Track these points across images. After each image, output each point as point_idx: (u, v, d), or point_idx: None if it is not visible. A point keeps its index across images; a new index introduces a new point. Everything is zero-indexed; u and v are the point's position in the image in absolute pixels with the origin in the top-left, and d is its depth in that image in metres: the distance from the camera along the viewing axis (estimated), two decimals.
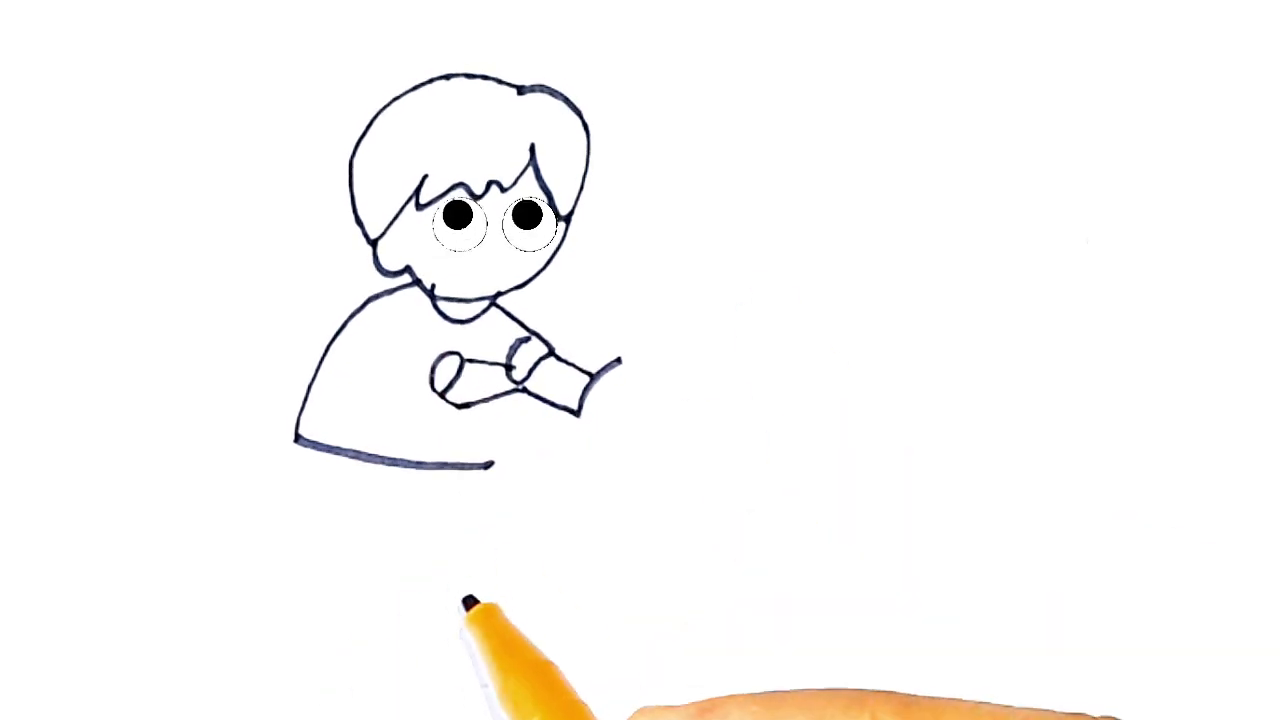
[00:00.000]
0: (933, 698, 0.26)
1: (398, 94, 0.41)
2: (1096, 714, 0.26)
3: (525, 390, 0.41)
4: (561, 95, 0.42)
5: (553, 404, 0.41)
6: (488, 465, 0.40)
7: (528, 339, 0.41)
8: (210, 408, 0.40)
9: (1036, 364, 0.42)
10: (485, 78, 0.41)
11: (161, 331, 0.40)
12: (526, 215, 0.41)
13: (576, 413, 0.41)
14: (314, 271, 0.40)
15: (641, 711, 0.28)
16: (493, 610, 0.37)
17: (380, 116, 0.41)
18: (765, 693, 0.27)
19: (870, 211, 0.42)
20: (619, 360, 0.41)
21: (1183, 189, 0.42)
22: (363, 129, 0.41)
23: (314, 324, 0.40)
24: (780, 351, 0.41)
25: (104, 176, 0.40)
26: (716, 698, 0.27)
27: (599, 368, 0.41)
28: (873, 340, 0.41)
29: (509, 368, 0.41)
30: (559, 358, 0.41)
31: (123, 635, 0.39)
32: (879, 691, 0.26)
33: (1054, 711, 0.25)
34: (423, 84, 0.41)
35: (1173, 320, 0.42)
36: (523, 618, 0.38)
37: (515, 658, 0.35)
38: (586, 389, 0.41)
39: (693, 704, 0.28)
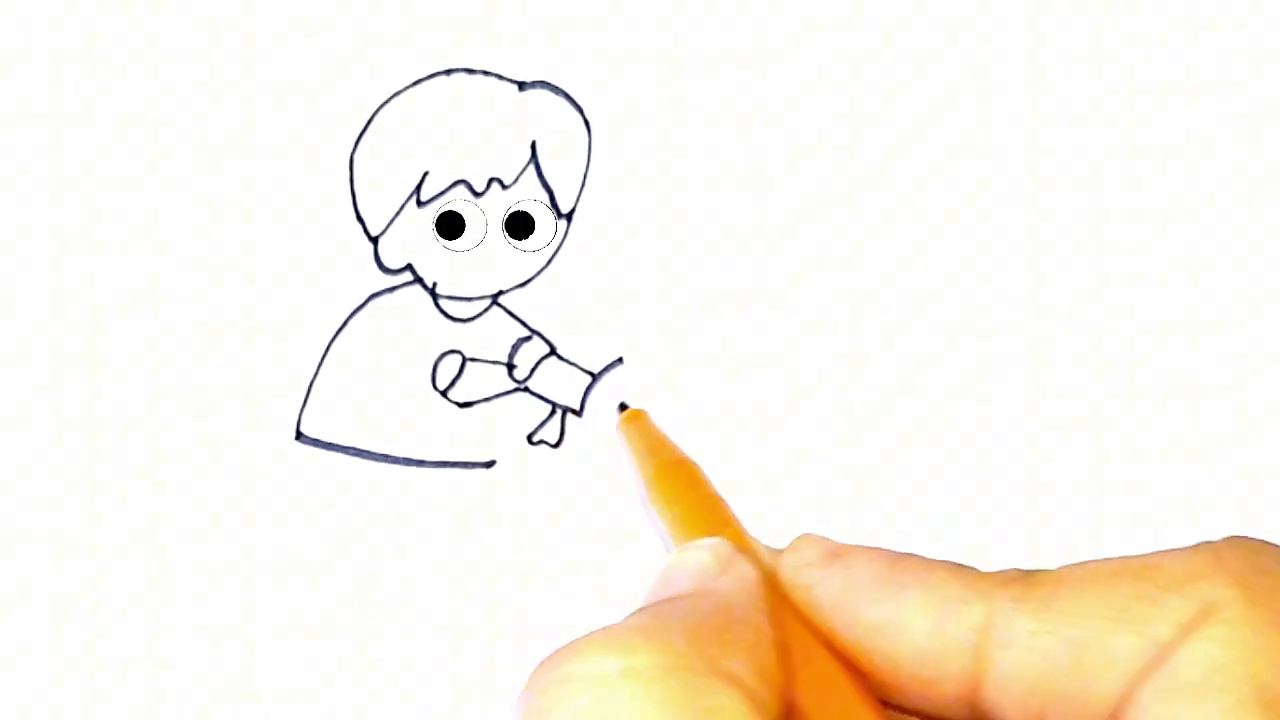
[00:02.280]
0: (1055, 571, 0.25)
1: (397, 90, 0.41)
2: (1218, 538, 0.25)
3: (527, 390, 0.41)
4: (563, 92, 0.41)
5: (554, 404, 0.41)
6: (489, 464, 0.40)
7: (529, 338, 0.41)
8: (212, 405, 0.40)
9: (1037, 362, 0.42)
10: (486, 73, 0.41)
11: (161, 329, 0.40)
12: (520, 225, 0.41)
13: (579, 413, 0.41)
14: (315, 269, 0.40)
15: (804, 537, 0.28)
16: (640, 415, 0.39)
17: (380, 113, 0.41)
18: (895, 553, 0.27)
19: (871, 211, 0.42)
20: (620, 360, 0.41)
21: (1183, 188, 0.43)
22: (363, 125, 0.41)
23: (315, 322, 0.40)
24: (781, 351, 0.41)
25: (103, 175, 0.40)
26: (852, 546, 0.28)
27: (601, 367, 0.41)
28: (873, 340, 0.41)
29: (511, 367, 0.41)
30: (561, 357, 0.41)
31: (122, 633, 0.39)
32: (1001, 574, 0.26)
33: (1180, 548, 0.25)
34: (422, 80, 0.41)
35: (1173, 318, 0.42)
36: (525, 618, 0.38)
37: (657, 458, 0.36)
38: (588, 389, 0.41)
39: (830, 545, 0.28)
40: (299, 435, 0.40)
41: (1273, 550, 0.25)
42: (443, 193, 0.41)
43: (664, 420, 0.40)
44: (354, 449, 0.40)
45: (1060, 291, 0.42)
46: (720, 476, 0.40)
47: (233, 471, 0.40)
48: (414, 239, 0.41)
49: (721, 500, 0.34)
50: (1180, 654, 0.23)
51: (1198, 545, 0.25)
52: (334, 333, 0.40)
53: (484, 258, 0.41)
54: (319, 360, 0.40)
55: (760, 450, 0.41)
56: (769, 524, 0.40)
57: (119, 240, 0.40)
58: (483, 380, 0.41)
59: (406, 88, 0.41)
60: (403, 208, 0.41)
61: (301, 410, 0.40)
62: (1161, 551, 0.25)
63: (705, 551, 0.28)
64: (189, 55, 0.41)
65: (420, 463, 0.40)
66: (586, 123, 0.41)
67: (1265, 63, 0.43)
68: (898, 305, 0.42)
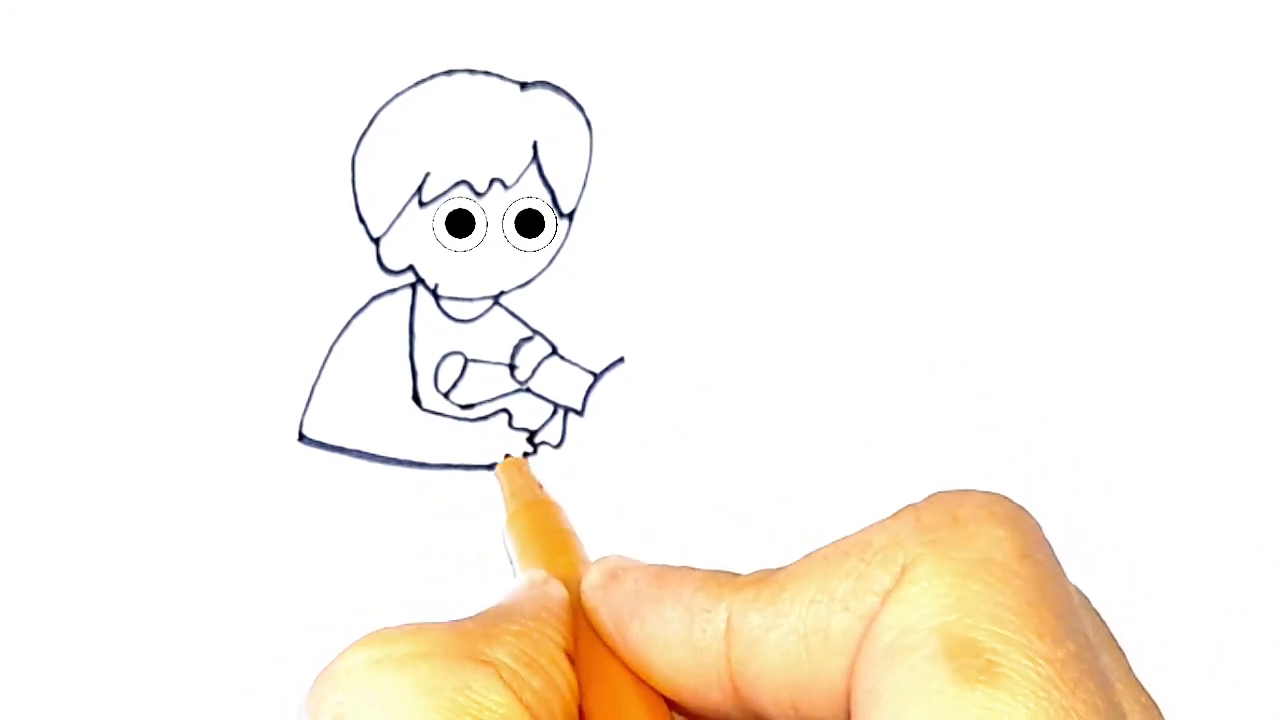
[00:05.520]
0: (789, 565, 0.25)
1: (399, 90, 0.41)
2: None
3: (529, 390, 0.41)
4: (564, 92, 0.41)
5: (556, 404, 0.41)
6: (491, 466, 0.40)
7: (531, 338, 0.41)
8: (214, 407, 0.40)
9: (1035, 363, 0.42)
10: (488, 74, 0.41)
11: (163, 331, 0.40)
12: (529, 223, 0.41)
13: (580, 413, 0.41)
14: (317, 270, 0.40)
15: (598, 560, 0.29)
16: (517, 463, 0.40)
17: (382, 113, 0.41)
18: (661, 568, 0.28)
19: (871, 211, 0.42)
20: (622, 359, 0.41)
21: (1182, 188, 0.42)
22: (364, 126, 0.41)
23: (317, 323, 0.40)
24: (782, 351, 0.41)
25: (104, 176, 0.40)
26: (631, 565, 0.28)
27: (602, 367, 0.41)
28: (873, 340, 0.41)
29: (512, 368, 0.41)
30: (562, 357, 0.41)
31: (124, 633, 0.39)
32: (743, 577, 0.26)
33: (886, 518, 0.25)
34: (424, 80, 0.41)
35: (1172, 318, 0.42)
36: None
37: (519, 498, 0.38)
38: (590, 389, 0.41)
39: (612, 565, 0.29)
40: (301, 437, 0.40)
41: (973, 497, 0.24)
42: (445, 193, 0.41)
43: (664, 419, 0.40)
44: (356, 451, 0.40)
45: (1060, 293, 0.42)
46: (719, 475, 0.40)
47: (235, 473, 0.40)
48: (416, 240, 0.41)
49: (569, 536, 0.35)
50: (879, 622, 0.23)
51: (900, 510, 0.25)
52: (336, 334, 0.40)
53: (485, 258, 0.41)
54: (321, 362, 0.40)
55: (761, 449, 0.40)
56: (767, 522, 0.40)
57: (120, 241, 0.40)
58: (485, 381, 0.41)
59: (408, 88, 0.41)
60: (404, 208, 0.41)
61: (304, 412, 0.40)
62: (871, 525, 0.25)
63: (521, 578, 0.30)
64: (191, 56, 0.41)
65: (422, 465, 0.40)
66: (588, 123, 0.41)
67: (1265, 63, 0.43)
68: (899, 305, 0.41)
